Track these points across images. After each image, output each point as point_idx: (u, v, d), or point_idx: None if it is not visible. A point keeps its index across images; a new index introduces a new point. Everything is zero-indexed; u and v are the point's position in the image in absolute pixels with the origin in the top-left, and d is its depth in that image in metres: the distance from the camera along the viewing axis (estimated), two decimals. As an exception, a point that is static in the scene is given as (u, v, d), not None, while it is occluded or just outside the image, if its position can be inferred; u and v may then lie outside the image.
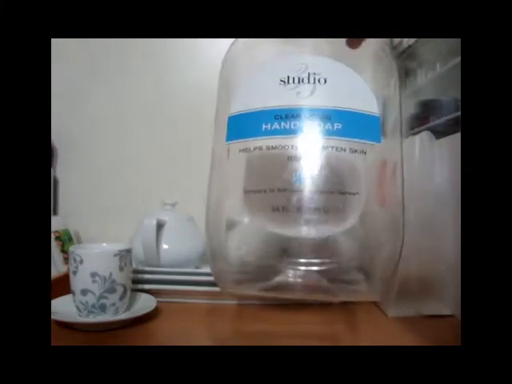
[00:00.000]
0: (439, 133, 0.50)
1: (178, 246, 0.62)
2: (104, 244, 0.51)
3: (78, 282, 0.45)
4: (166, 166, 0.84)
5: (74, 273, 0.45)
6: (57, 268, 0.71)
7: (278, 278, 0.29)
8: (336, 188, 0.29)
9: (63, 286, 0.48)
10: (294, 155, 0.28)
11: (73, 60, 0.84)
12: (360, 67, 0.32)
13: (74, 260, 0.45)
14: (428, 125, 0.66)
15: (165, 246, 0.61)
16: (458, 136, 0.44)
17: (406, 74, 0.81)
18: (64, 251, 0.73)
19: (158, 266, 0.60)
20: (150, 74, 0.85)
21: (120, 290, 0.46)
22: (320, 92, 0.29)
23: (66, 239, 0.76)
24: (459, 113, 0.56)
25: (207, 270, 0.61)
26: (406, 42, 0.77)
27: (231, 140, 0.30)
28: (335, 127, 0.28)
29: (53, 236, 0.73)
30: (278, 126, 0.29)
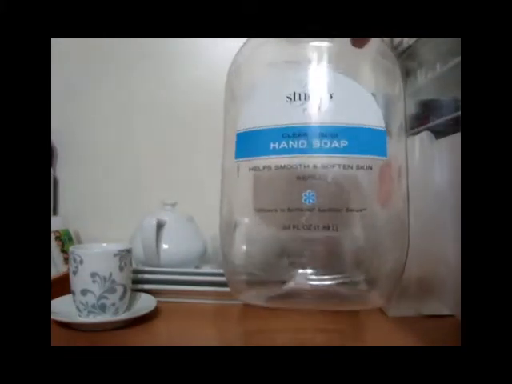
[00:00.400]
0: (439, 133, 0.50)
1: (178, 246, 0.62)
2: (104, 244, 0.51)
3: (78, 282, 0.45)
4: (165, 166, 0.84)
5: (74, 273, 0.45)
6: (57, 268, 0.71)
7: (287, 286, 0.30)
8: (344, 205, 0.30)
9: (63, 286, 0.48)
10: (302, 175, 0.29)
11: (73, 60, 0.84)
12: (363, 74, 0.32)
13: (74, 260, 0.45)
14: (428, 125, 0.66)
15: (165, 246, 0.61)
16: (458, 136, 0.44)
17: (406, 74, 0.80)
18: (64, 251, 0.73)
19: (158, 266, 0.60)
20: (151, 74, 0.85)
21: (120, 289, 0.46)
22: (326, 109, 0.29)
23: (66, 239, 0.76)
24: (459, 113, 0.56)
25: (207, 270, 0.62)
26: (406, 42, 0.77)
27: (240, 158, 0.31)
28: (342, 144, 0.29)
29: (53, 236, 0.73)
30: (286, 145, 0.29)
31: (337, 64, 0.31)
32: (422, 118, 0.71)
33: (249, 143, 0.31)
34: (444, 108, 0.65)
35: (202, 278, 0.56)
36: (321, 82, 0.30)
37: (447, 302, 0.48)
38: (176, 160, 0.84)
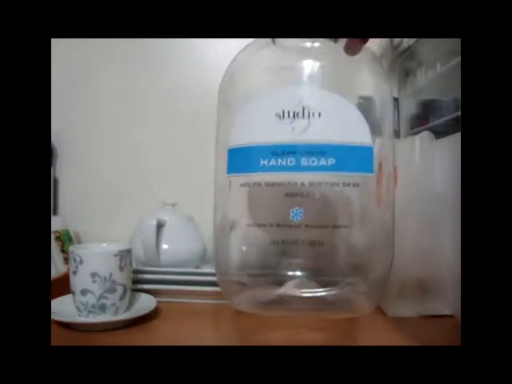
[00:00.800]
0: (439, 133, 0.50)
1: (178, 245, 0.62)
2: (104, 244, 0.51)
3: (78, 282, 0.45)
4: (165, 165, 0.84)
5: (74, 273, 0.45)
6: (57, 268, 0.71)
7: (277, 291, 0.31)
8: (330, 222, 0.31)
9: (63, 285, 0.48)
10: (290, 192, 0.30)
11: (72, 60, 0.84)
12: (355, 86, 0.33)
13: (74, 260, 0.45)
14: (428, 125, 0.66)
15: (165, 246, 0.61)
16: (458, 136, 0.44)
17: (406, 74, 0.81)
18: (64, 251, 0.73)
19: (158, 265, 0.60)
20: (149, 74, 0.85)
21: (120, 290, 0.46)
22: (314, 127, 0.30)
23: (66, 239, 0.76)
24: (459, 113, 0.56)
25: (207, 269, 0.62)
26: (406, 42, 0.77)
27: (232, 173, 0.32)
28: (329, 162, 0.29)
29: (53, 236, 0.73)
30: (275, 163, 0.30)
31: (326, 80, 0.32)
32: (422, 118, 0.71)
33: (240, 159, 0.31)
34: (444, 108, 0.65)
35: (202, 278, 0.56)
36: (310, 99, 0.30)
37: (447, 302, 0.48)
38: (176, 160, 0.84)
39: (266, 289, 0.32)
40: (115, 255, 0.46)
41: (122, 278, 0.46)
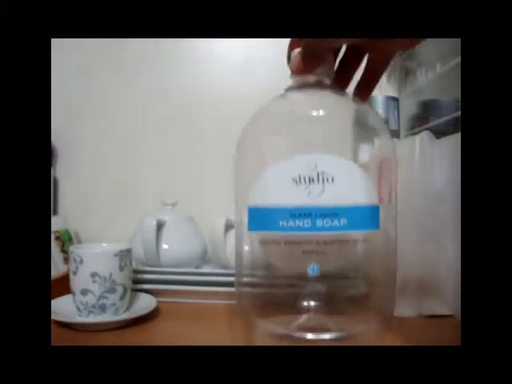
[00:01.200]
0: (439, 133, 0.50)
1: (178, 246, 0.62)
2: (104, 244, 0.51)
3: (78, 282, 0.45)
4: (165, 165, 0.84)
5: (74, 273, 0.45)
6: (57, 268, 0.71)
7: (290, 326, 0.34)
8: (344, 274, 0.35)
9: (63, 286, 0.48)
10: (307, 250, 0.34)
11: (73, 60, 0.84)
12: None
13: (74, 260, 0.45)
14: (428, 125, 0.66)
15: (165, 246, 0.61)
16: (458, 136, 0.44)
17: (406, 74, 0.81)
18: (64, 251, 0.73)
19: (158, 265, 0.60)
20: (150, 73, 0.85)
21: (120, 289, 0.46)
22: (328, 191, 0.33)
23: (66, 239, 0.76)
24: (459, 113, 0.56)
25: (207, 270, 0.62)
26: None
27: (252, 230, 0.35)
28: (341, 223, 0.33)
29: (53, 236, 0.73)
30: (293, 224, 0.33)
31: (335, 145, 0.35)
32: (422, 118, 0.71)
33: (260, 219, 0.35)
34: (444, 108, 0.65)
35: (202, 278, 0.56)
36: (324, 165, 0.33)
37: (447, 302, 0.48)
38: (176, 160, 0.84)
39: (278, 323, 0.35)
40: (115, 255, 0.46)
41: (122, 278, 0.46)
